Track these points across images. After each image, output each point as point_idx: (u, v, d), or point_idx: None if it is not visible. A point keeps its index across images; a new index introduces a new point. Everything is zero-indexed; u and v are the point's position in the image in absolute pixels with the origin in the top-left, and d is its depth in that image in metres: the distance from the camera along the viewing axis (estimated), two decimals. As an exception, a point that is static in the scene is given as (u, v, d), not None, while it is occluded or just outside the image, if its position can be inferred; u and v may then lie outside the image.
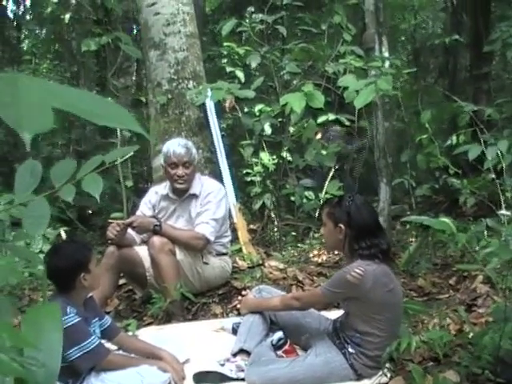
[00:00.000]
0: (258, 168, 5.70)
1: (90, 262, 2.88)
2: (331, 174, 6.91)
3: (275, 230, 5.77)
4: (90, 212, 8.43)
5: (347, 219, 2.96)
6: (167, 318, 3.80)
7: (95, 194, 1.20)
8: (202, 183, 4.20)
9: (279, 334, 3.15)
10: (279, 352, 3.09)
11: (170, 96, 5.03)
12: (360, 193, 6.24)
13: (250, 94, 4.76)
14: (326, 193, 5.75)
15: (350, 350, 2.91)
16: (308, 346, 3.11)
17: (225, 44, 5.80)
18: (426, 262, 4.67)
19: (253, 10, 5.21)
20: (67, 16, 7.80)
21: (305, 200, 5.63)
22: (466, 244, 2.56)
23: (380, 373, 2.86)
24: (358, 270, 2.81)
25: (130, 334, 3.46)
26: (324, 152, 5.54)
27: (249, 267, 4.54)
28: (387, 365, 2.87)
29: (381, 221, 4.81)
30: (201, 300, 4.12)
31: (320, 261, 5.10)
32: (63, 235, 5.69)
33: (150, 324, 3.85)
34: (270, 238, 5.79)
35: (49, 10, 8.65)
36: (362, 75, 4.62)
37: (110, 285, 3.94)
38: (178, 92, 5.04)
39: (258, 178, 5.70)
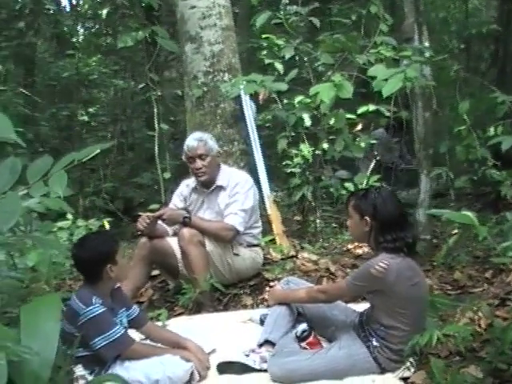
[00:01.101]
0: (297, 159, 5.68)
1: (116, 254, 2.93)
2: (372, 164, 6.86)
3: (316, 221, 5.74)
4: (138, 203, 8.58)
5: (373, 212, 2.93)
6: (197, 308, 3.85)
7: (59, 191, 1.24)
8: (230, 175, 4.23)
9: (303, 326, 3.15)
10: (303, 344, 3.10)
11: (205, 89, 5.05)
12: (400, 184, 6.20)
13: (282, 86, 4.74)
14: (367, 184, 5.68)
15: (375, 343, 2.90)
16: (334, 339, 3.11)
17: (263, 36, 5.77)
18: (465, 254, 4.58)
19: (287, 1, 5.19)
20: (104, 11, 7.96)
21: (344, 191, 5.57)
22: (489, 237, 2.50)
23: (403, 367, 2.84)
24: (381, 264, 2.79)
25: (160, 323, 3.52)
26: (362, 144, 5.47)
27: (282, 259, 4.54)
28: (410, 359, 2.85)
29: (421, 212, 4.77)
30: (232, 291, 4.16)
31: (361, 252, 5.05)
32: (107, 226, 5.81)
33: (180, 314, 3.91)
34: (309, 229, 5.77)
35: (86, 6, 8.82)
36: (394, 65, 4.55)
37: (142, 275, 4.02)
38: (214, 85, 5.05)
39: (297, 170, 5.68)
